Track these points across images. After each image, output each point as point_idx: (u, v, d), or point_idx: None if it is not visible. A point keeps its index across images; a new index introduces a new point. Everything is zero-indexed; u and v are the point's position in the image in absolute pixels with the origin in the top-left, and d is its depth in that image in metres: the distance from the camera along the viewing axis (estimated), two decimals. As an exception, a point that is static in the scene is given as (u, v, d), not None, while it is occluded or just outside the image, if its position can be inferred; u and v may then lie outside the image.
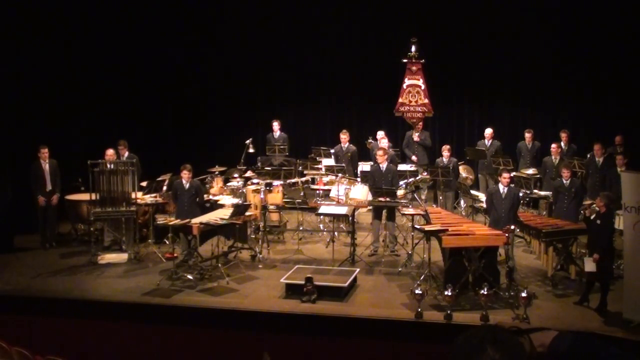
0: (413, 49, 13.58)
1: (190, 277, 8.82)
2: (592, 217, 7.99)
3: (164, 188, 10.55)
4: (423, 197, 11.29)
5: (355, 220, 10.00)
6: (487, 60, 14.50)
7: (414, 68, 13.67)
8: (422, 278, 8.50)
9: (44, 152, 10.47)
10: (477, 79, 14.76)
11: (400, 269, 9.25)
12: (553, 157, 11.11)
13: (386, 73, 14.44)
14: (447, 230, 8.22)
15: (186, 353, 7.67)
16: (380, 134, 12.51)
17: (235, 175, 11.48)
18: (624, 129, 12.10)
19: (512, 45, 14.36)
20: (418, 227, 9.09)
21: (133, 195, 10.03)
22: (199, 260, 9.17)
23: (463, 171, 12.16)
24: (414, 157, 12.58)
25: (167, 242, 9.93)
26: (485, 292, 7.27)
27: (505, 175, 8.93)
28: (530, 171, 11.50)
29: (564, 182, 9.26)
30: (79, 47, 12.67)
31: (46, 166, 10.50)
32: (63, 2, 12.31)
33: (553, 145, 11.22)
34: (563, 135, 11.97)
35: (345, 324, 7.55)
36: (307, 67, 15.44)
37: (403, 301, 8.00)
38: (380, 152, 10.21)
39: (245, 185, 10.97)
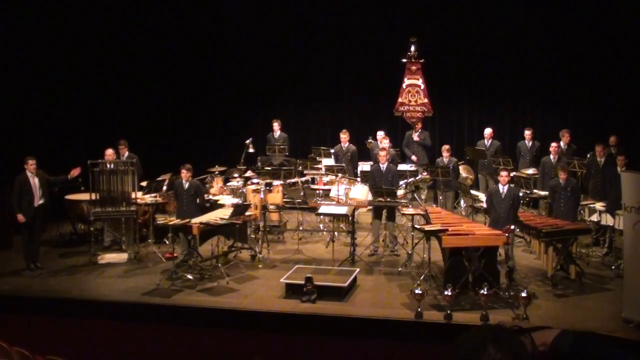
0: (412, 48, 13.59)
1: (190, 277, 8.82)
2: None
3: (164, 188, 10.54)
4: (423, 197, 11.29)
5: (355, 220, 9.99)
6: (487, 60, 14.50)
7: (413, 68, 13.69)
8: (422, 278, 8.50)
9: (32, 164, 9.29)
10: (477, 79, 14.77)
11: (400, 269, 9.25)
12: (552, 157, 11.09)
13: (386, 73, 14.45)
14: (447, 230, 8.22)
15: (186, 353, 7.67)
16: (380, 134, 12.51)
17: (235, 175, 11.49)
18: (624, 129, 12.10)
19: (512, 45, 14.37)
20: (418, 227, 9.08)
21: (133, 195, 10.03)
22: (199, 260, 9.17)
23: (463, 171, 12.16)
24: (413, 157, 12.58)
25: (167, 242, 9.93)
26: (485, 292, 7.27)
27: (504, 174, 8.93)
28: (530, 171, 11.50)
29: (560, 181, 9.27)
30: (78, 46, 12.66)
31: (34, 179, 9.33)
32: (61, 2, 12.30)
33: (553, 144, 11.20)
34: (565, 134, 11.95)
35: (345, 324, 7.55)
36: (307, 67, 15.46)
37: (403, 301, 7.99)
38: (382, 152, 10.21)
39: (245, 185, 10.98)
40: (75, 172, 9.71)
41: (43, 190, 9.48)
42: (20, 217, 9.32)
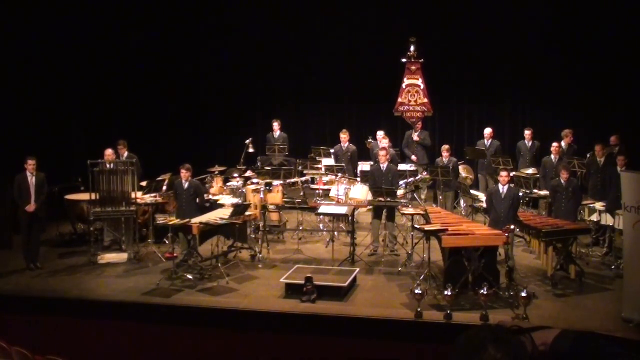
0: (412, 48, 13.59)
1: (190, 277, 8.82)
2: None
3: (164, 188, 10.54)
4: (423, 197, 11.29)
5: (355, 220, 9.99)
6: (487, 60, 14.50)
7: (413, 68, 13.68)
8: (422, 278, 8.50)
9: (31, 164, 9.38)
10: (477, 79, 14.76)
11: (400, 269, 9.25)
12: (553, 157, 11.08)
13: (386, 73, 14.44)
14: (447, 230, 8.22)
15: (186, 353, 7.67)
16: (380, 134, 12.51)
17: (235, 175, 11.49)
18: (624, 129, 12.09)
19: (512, 45, 14.36)
20: (418, 227, 9.08)
21: (133, 195, 10.03)
22: (199, 260, 9.17)
23: (463, 171, 12.16)
24: (413, 157, 12.58)
25: (167, 242, 9.93)
26: (485, 292, 7.27)
27: (504, 174, 8.93)
28: (530, 171, 11.50)
29: (562, 181, 9.27)
30: (78, 46, 12.66)
31: (32, 179, 9.42)
32: (61, 2, 12.31)
33: (554, 144, 11.19)
34: (568, 134, 11.91)
35: (345, 324, 7.55)
36: (307, 67, 15.45)
37: (403, 301, 7.99)
38: (382, 152, 10.21)
39: (245, 185, 10.98)
40: (31, 207, 9.46)
41: (38, 191, 9.46)
42: (30, 207, 9.35)
